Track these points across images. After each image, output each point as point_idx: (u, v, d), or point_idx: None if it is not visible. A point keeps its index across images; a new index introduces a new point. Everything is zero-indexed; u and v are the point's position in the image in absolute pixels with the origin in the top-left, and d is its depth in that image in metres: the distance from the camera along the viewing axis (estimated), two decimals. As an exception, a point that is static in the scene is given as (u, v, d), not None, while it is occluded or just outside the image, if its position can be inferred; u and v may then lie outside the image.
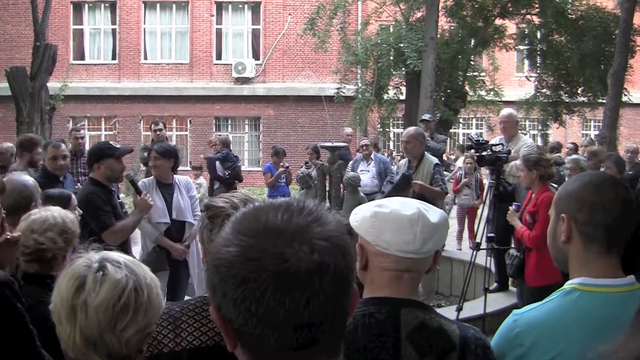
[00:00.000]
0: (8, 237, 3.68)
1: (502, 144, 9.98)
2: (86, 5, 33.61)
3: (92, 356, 2.31)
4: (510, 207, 8.22)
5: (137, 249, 8.50)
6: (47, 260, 3.84)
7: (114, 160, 7.12)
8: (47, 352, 3.33)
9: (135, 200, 7.35)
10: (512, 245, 9.17)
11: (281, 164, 15.82)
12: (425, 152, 10.17)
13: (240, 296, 1.35)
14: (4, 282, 3.19)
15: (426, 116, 15.28)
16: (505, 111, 11.13)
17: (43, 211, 4.03)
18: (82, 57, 33.77)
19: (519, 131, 11.25)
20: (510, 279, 9.62)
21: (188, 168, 22.51)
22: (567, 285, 2.54)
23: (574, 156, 11.88)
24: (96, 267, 2.35)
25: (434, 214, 2.50)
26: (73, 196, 5.80)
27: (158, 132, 13.44)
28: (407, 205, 2.49)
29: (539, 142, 29.37)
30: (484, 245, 8.99)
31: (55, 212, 4.02)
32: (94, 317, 2.27)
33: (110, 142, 7.65)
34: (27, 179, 5.16)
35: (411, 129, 10.38)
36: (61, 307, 2.33)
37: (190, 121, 32.68)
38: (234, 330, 1.41)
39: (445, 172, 13.13)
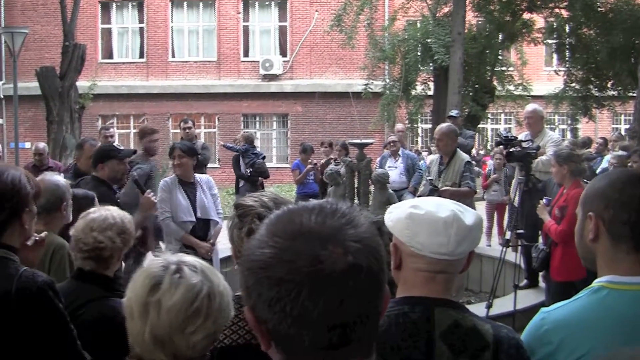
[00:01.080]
0: (37, 238, 3.73)
1: (530, 140, 9.90)
2: (114, 5, 33.80)
3: (159, 354, 2.36)
4: (540, 201, 8.18)
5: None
6: (104, 259, 3.88)
7: (117, 161, 7.26)
8: (96, 348, 3.40)
9: (140, 200, 7.37)
10: (540, 241, 9.12)
11: (309, 160, 15.82)
12: (457, 149, 10.11)
13: (275, 297, 1.37)
14: (46, 283, 3.23)
15: (453, 112, 15.20)
16: (530, 107, 11.07)
17: (102, 210, 4.07)
18: (111, 56, 33.98)
19: (545, 126, 11.13)
20: (540, 274, 9.58)
21: (217, 165, 22.55)
22: (595, 283, 2.53)
23: (619, 152, 11.81)
24: (174, 268, 2.40)
25: (468, 216, 2.50)
26: (96, 198, 5.84)
27: (187, 130, 13.48)
28: (442, 207, 2.49)
29: (569, 136, 29.20)
30: (513, 241, 8.97)
31: (114, 212, 4.07)
32: (166, 317, 2.32)
33: (115, 144, 7.75)
34: (59, 178, 5.22)
35: (443, 126, 10.29)
36: (135, 303, 2.38)
37: (218, 118, 32.75)
38: (268, 330, 1.42)
39: (475, 169, 13.07)
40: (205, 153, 13.21)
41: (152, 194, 7.47)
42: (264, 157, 15.81)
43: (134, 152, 8.07)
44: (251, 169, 15.26)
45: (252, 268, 1.42)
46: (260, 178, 15.42)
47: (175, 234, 8.17)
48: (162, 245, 8.20)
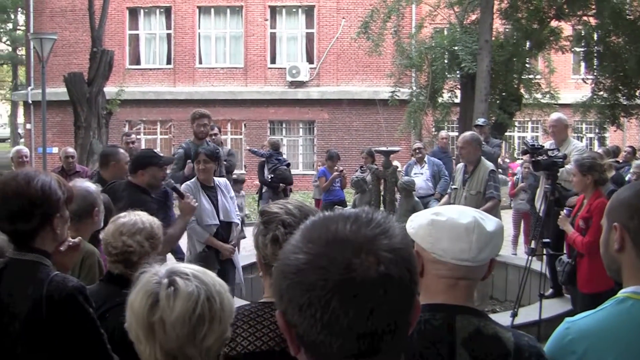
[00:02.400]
0: (70, 243, 3.76)
1: (556, 148, 9.84)
2: (142, 11, 33.99)
3: None
4: (561, 212, 8.14)
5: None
6: (132, 262, 3.92)
7: (157, 168, 7.29)
8: (123, 352, 3.42)
9: (180, 205, 7.42)
10: (565, 252, 9.07)
11: (335, 167, 15.84)
12: (482, 158, 10.07)
13: (306, 302, 1.38)
14: (77, 288, 3.26)
15: (480, 121, 15.16)
16: (554, 115, 11.01)
17: (132, 215, 4.11)
18: (138, 62, 34.16)
19: (570, 135, 11.06)
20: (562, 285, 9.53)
21: (243, 171, 22.57)
22: (620, 293, 2.53)
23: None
24: (166, 282, 2.39)
25: (490, 222, 2.51)
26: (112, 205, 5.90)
27: (214, 137, 13.53)
28: (463, 214, 2.51)
29: (596, 145, 28.99)
30: (539, 250, 8.92)
31: (143, 217, 4.12)
32: (172, 332, 2.32)
33: (155, 151, 7.78)
34: (89, 184, 5.26)
35: (467, 134, 10.28)
36: (138, 326, 2.38)
37: (245, 125, 32.81)
38: (298, 335, 1.44)
39: (501, 176, 13.02)
40: (232, 159, 13.26)
41: (191, 198, 7.53)
42: (288, 164, 15.81)
43: (173, 160, 8.13)
44: (272, 175, 15.29)
45: (285, 273, 1.43)
46: (282, 184, 15.42)
47: (200, 236, 8.39)
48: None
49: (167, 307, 2.33)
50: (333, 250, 1.40)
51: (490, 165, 10.00)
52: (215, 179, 8.73)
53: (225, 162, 12.48)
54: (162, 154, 7.66)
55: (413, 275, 1.46)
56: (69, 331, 3.20)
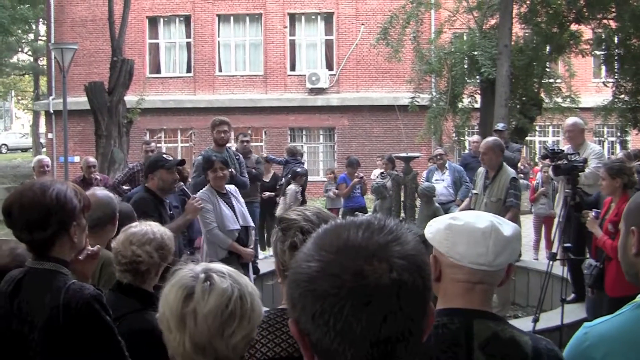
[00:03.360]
0: (89, 251, 3.79)
1: (577, 152, 9.78)
2: (161, 20, 34.14)
3: None
4: (589, 214, 8.09)
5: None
6: (140, 272, 3.97)
7: (164, 171, 7.35)
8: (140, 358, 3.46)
9: (186, 205, 7.57)
10: (588, 256, 9.01)
11: (356, 174, 15.83)
12: (504, 164, 10.02)
13: (318, 310, 1.38)
14: (94, 296, 3.28)
15: (499, 126, 15.11)
16: (570, 120, 10.95)
17: (143, 225, 4.14)
18: (158, 71, 34.31)
19: (586, 139, 10.99)
20: (587, 290, 9.46)
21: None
22: (639, 298, 2.52)
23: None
24: (203, 277, 2.46)
25: (507, 227, 2.51)
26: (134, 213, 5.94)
27: (245, 143, 13.60)
28: (480, 219, 2.52)
29: (618, 149, 28.83)
30: (560, 255, 8.88)
31: (154, 227, 4.14)
32: (204, 324, 2.37)
33: (164, 155, 7.83)
34: (108, 193, 5.30)
35: (489, 140, 10.23)
36: (170, 316, 2.44)
37: (265, 132, 32.87)
38: (311, 343, 1.43)
39: (522, 181, 12.97)
40: (260, 168, 13.33)
41: (196, 199, 7.62)
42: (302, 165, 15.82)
43: (182, 161, 8.16)
44: (280, 183, 15.32)
45: (298, 281, 1.43)
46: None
47: (223, 243, 8.45)
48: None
49: (202, 300, 2.40)
50: (345, 257, 1.39)
51: (511, 173, 9.94)
52: (226, 185, 8.82)
53: (253, 170, 12.56)
54: (170, 157, 7.68)
55: (426, 281, 1.45)
56: (86, 339, 3.22)
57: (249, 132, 30.51)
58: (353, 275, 1.37)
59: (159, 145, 29.52)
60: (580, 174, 9.00)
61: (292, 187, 14.89)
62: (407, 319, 1.39)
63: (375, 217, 1.51)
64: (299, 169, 15.38)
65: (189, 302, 2.41)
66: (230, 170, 9.10)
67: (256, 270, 11.89)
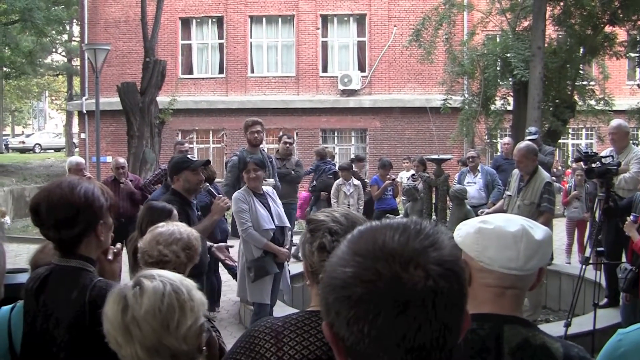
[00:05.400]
0: (115, 250, 3.81)
1: (612, 156, 9.68)
2: (194, 21, 34.29)
3: None
4: (628, 218, 8.01)
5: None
6: None
7: (190, 172, 7.36)
8: None
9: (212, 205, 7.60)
10: (623, 260, 8.93)
11: (387, 176, 15.80)
12: (539, 168, 9.95)
13: (353, 316, 1.36)
14: None
15: (531, 129, 14.99)
16: (615, 122, 10.82)
17: (170, 225, 4.15)
18: (191, 72, 34.46)
19: (630, 142, 10.86)
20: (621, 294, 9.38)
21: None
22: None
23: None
24: (132, 284, 2.50)
25: (538, 231, 2.48)
26: (175, 211, 5.95)
27: (288, 145, 13.56)
28: (511, 222, 2.48)
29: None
30: (593, 259, 8.80)
31: (181, 227, 4.17)
32: (147, 326, 2.39)
33: (188, 156, 7.85)
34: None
35: (522, 145, 10.14)
36: (115, 332, 2.47)
37: (297, 133, 32.92)
38: (345, 347, 1.41)
39: (555, 184, 12.87)
40: (299, 170, 13.30)
41: (222, 199, 7.63)
42: (334, 172, 15.73)
43: (207, 162, 8.18)
44: (313, 184, 15.30)
45: (332, 286, 1.41)
46: (324, 193, 15.36)
47: (258, 242, 8.61)
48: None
49: (136, 304, 2.42)
50: (380, 263, 1.37)
51: (546, 177, 9.88)
52: (263, 187, 8.87)
53: (292, 172, 12.56)
54: (195, 158, 7.71)
55: (462, 288, 1.43)
56: None
57: (296, 133, 30.63)
58: (389, 282, 1.35)
59: (190, 146, 29.65)
60: (619, 177, 8.92)
61: (358, 182, 15.16)
62: (442, 327, 1.37)
63: (412, 221, 1.48)
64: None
65: (127, 311, 2.43)
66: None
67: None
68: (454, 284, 1.39)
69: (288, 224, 9.18)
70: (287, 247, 8.98)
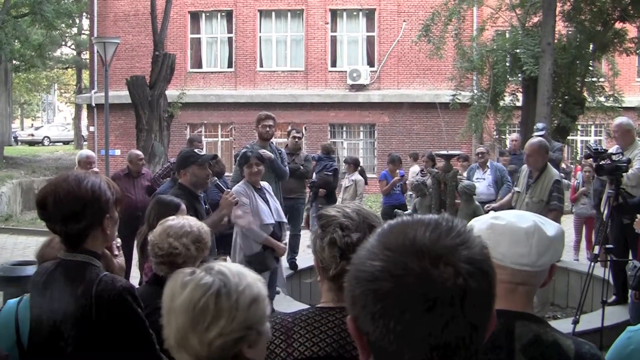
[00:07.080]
0: (118, 244, 3.82)
1: (621, 152, 9.64)
2: (203, 15, 34.30)
3: (184, 356, 2.39)
4: (638, 216, 7.99)
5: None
6: (177, 265, 3.94)
7: (196, 166, 7.33)
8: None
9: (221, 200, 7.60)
10: (631, 258, 8.90)
11: (397, 171, 15.77)
12: (548, 165, 9.91)
13: (379, 311, 1.35)
14: (126, 288, 3.30)
15: (539, 125, 14.95)
16: (617, 120, 10.79)
17: (180, 218, 4.17)
18: (200, 66, 34.49)
19: (637, 139, 10.82)
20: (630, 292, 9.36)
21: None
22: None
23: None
24: (188, 272, 2.45)
25: (550, 227, 2.48)
26: (183, 205, 5.96)
27: (297, 140, 13.50)
28: (523, 218, 2.48)
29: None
30: (601, 256, 8.78)
31: (192, 221, 4.18)
32: (178, 318, 2.36)
33: (195, 150, 7.82)
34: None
35: (534, 141, 10.07)
36: (164, 312, 2.44)
37: (305, 128, 32.85)
38: (369, 342, 1.41)
39: (564, 180, 12.85)
40: (307, 165, 13.24)
41: (230, 194, 7.66)
42: (334, 170, 15.62)
43: (215, 156, 8.20)
44: (312, 181, 15.24)
45: (359, 279, 1.40)
46: (321, 190, 15.17)
47: (258, 237, 8.65)
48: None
49: (179, 292, 2.39)
50: (410, 259, 1.35)
51: (555, 174, 9.82)
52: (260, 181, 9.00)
53: (301, 167, 12.53)
54: (202, 152, 7.70)
55: (491, 288, 1.41)
56: (117, 331, 3.24)
57: (304, 128, 30.59)
58: (418, 278, 1.33)
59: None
60: (625, 174, 8.89)
61: (360, 178, 15.21)
62: (469, 326, 1.36)
63: (444, 218, 1.46)
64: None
65: (172, 297, 2.41)
66: (270, 157, 9.27)
67: (294, 266, 11.95)
68: (483, 283, 1.38)
69: (285, 220, 9.28)
70: (284, 242, 9.11)
